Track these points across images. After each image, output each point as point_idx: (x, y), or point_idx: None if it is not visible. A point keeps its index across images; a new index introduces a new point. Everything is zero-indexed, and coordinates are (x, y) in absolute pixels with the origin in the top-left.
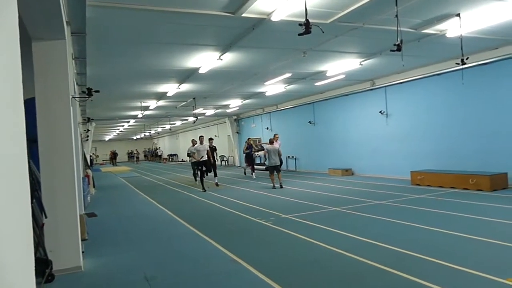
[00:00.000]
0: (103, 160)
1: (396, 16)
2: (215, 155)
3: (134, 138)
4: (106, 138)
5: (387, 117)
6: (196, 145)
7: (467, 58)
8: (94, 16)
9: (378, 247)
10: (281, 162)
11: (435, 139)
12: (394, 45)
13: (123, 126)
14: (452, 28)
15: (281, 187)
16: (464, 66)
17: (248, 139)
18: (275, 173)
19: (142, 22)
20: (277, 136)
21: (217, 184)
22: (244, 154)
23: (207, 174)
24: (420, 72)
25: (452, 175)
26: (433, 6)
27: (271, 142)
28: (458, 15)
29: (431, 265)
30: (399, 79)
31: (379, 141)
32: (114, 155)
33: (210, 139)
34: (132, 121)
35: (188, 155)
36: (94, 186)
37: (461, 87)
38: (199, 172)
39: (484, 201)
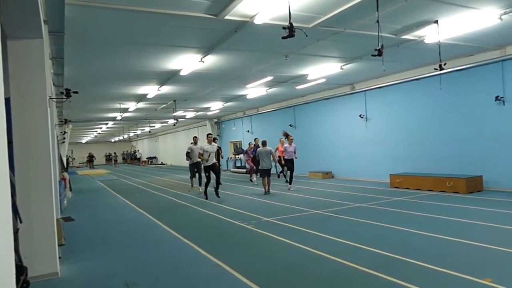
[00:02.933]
0: (79, 163)
1: (377, 21)
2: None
3: (112, 140)
4: (83, 141)
5: (366, 121)
6: (203, 145)
7: (445, 64)
8: (73, 15)
9: (360, 249)
10: (290, 168)
11: (413, 143)
12: (375, 50)
13: (101, 128)
14: (430, 35)
15: (267, 192)
16: (442, 71)
17: (255, 139)
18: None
19: (123, 22)
20: (291, 138)
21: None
22: (249, 156)
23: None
24: (399, 77)
25: (430, 178)
26: (412, 12)
27: (263, 144)
28: (436, 22)
29: (412, 267)
30: (378, 83)
31: (359, 144)
32: (91, 158)
33: (215, 139)
34: (110, 123)
35: (188, 154)
36: (70, 190)
37: (439, 92)
38: (204, 178)
39: (460, 203)
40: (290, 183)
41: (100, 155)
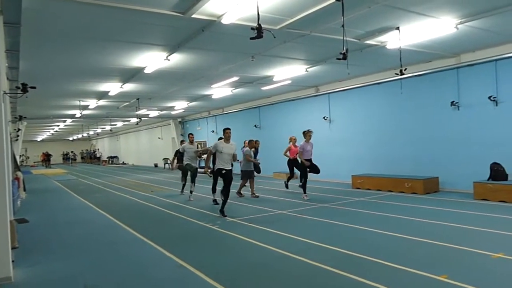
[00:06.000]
0: (34, 162)
1: (343, 26)
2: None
3: (71, 139)
4: (39, 138)
5: (330, 122)
6: (218, 143)
7: (405, 69)
8: (30, 7)
9: (323, 249)
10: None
11: (375, 145)
12: (340, 53)
13: (58, 126)
14: (392, 41)
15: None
16: (402, 76)
17: (255, 141)
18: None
19: (85, 16)
20: (309, 133)
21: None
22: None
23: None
24: (362, 80)
25: (390, 179)
26: (375, 19)
27: (250, 145)
28: (398, 28)
29: (373, 265)
30: (341, 86)
31: (322, 145)
32: (47, 157)
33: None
34: (69, 121)
35: (180, 153)
36: (24, 190)
37: (399, 96)
38: (213, 185)
39: (418, 203)
40: (304, 190)
41: (57, 154)
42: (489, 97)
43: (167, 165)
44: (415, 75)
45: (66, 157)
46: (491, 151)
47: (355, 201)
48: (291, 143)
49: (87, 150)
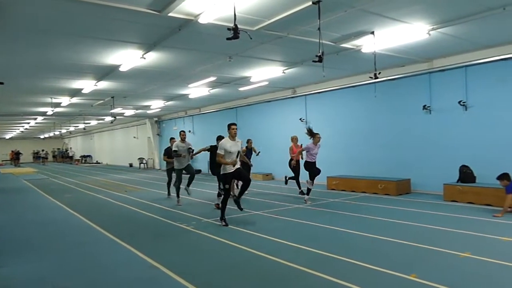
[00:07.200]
0: (2, 161)
1: (319, 29)
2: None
3: (42, 137)
4: (7, 136)
5: (306, 124)
6: (224, 143)
7: (379, 73)
8: None
9: (297, 249)
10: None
11: (349, 147)
12: (316, 56)
13: (29, 123)
14: (367, 45)
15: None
16: (376, 80)
17: (248, 141)
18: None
19: (57, 10)
20: (318, 136)
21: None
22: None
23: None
24: (338, 83)
25: (364, 180)
26: (351, 23)
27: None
28: (373, 33)
29: (345, 265)
30: (318, 89)
31: None
32: (16, 155)
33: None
34: (40, 118)
35: (175, 152)
36: None
37: (373, 99)
38: (223, 191)
39: (391, 204)
40: (308, 193)
41: (27, 152)
42: (459, 102)
43: (142, 165)
44: (389, 79)
45: (36, 156)
46: (460, 154)
47: (330, 202)
48: (292, 143)
49: (59, 148)
